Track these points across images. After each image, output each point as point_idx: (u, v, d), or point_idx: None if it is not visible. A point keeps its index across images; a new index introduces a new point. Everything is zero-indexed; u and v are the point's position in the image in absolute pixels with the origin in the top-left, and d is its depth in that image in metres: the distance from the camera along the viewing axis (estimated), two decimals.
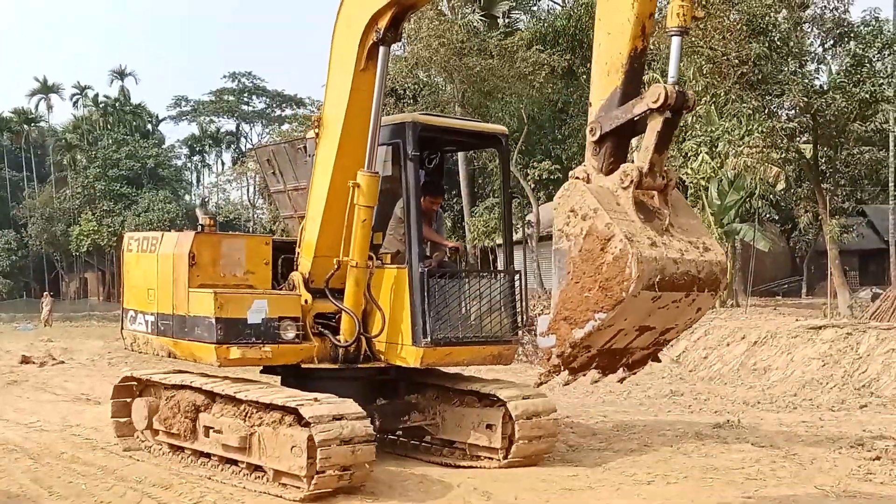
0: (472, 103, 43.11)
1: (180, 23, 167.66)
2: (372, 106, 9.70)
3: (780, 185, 39.19)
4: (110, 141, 77.87)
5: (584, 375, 6.85)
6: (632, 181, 6.30)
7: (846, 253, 45.11)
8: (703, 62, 33.14)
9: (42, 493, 9.18)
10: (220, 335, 9.33)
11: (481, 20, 45.34)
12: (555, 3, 52.11)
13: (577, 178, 6.62)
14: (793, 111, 35.68)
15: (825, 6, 35.30)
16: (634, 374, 7.15)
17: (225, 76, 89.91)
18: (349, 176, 9.69)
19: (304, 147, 11.69)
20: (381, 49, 9.67)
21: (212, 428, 9.47)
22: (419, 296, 9.74)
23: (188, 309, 9.71)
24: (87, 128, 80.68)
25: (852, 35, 35.52)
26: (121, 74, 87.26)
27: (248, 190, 75.01)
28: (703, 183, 35.77)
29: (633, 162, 6.49)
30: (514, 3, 49.90)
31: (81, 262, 79.74)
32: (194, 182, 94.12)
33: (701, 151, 34.89)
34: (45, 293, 56.32)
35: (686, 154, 35.58)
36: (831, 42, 36.64)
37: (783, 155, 34.55)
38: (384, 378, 10.51)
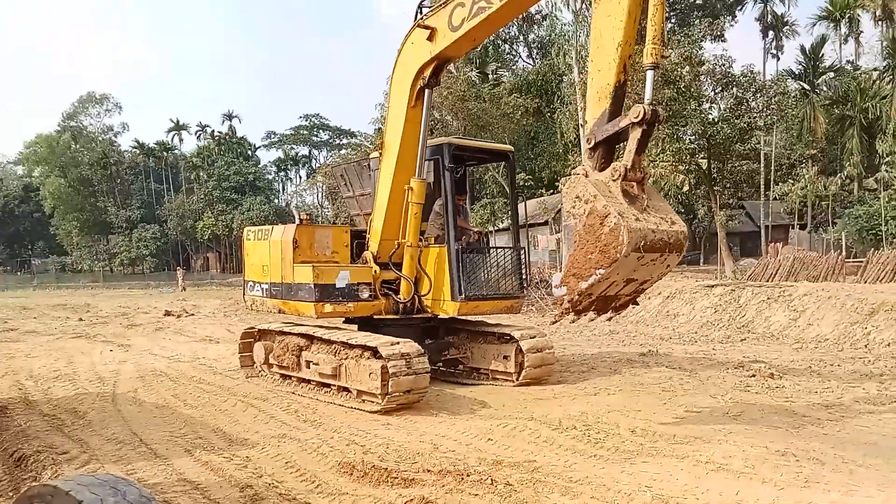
0: (471, 135, 42.71)
1: (270, 72, 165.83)
2: (420, 132, 9.48)
3: (685, 188, 39.01)
4: (222, 163, 78.36)
5: (585, 315, 6.76)
6: (620, 175, 6.30)
7: (731, 234, 44.97)
8: (632, 102, 32.89)
9: (179, 404, 9.16)
10: (318, 296, 9.13)
11: (477, 75, 44.99)
12: (527, 63, 51.55)
13: (578, 173, 6.58)
14: (693, 136, 35.43)
15: (716, 63, 34.67)
16: (619, 314, 7.04)
17: (301, 116, 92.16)
18: (404, 182, 9.53)
19: (368, 164, 11.39)
20: (427, 91, 9.35)
21: (311, 361, 9.24)
22: (455, 266, 9.54)
23: (293, 278, 9.47)
24: (206, 154, 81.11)
25: (735, 83, 35.00)
26: (229, 116, 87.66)
27: (318, 195, 75.08)
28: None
29: (619, 161, 6.44)
30: (499, 64, 49.45)
31: (204, 247, 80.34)
32: (280, 191, 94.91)
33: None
34: (178, 267, 56.15)
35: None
36: (720, 88, 36.01)
37: (687, 167, 34.65)
38: (429, 325, 10.25)
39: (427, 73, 9.20)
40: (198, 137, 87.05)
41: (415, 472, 5.89)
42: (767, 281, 23.07)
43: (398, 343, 8.28)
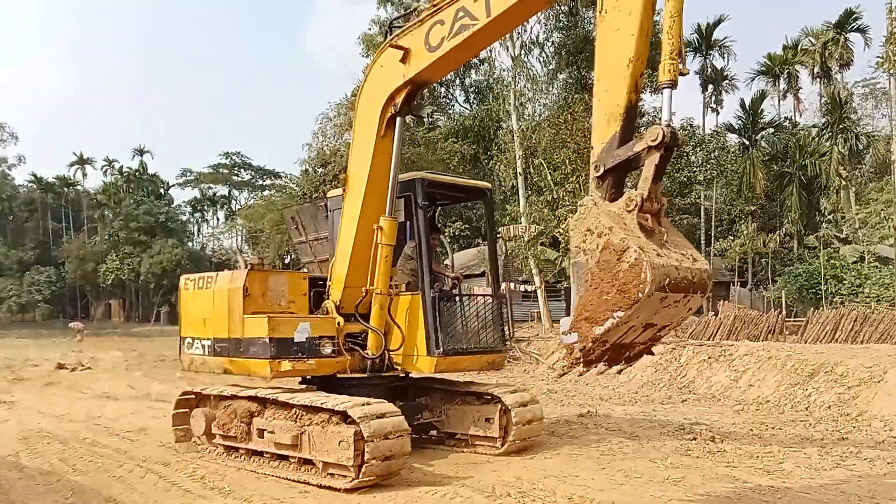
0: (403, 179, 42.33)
1: (189, 107, 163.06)
2: (391, 165, 8.85)
3: None
4: (131, 201, 75.73)
5: (595, 367, 6.12)
6: (636, 205, 5.78)
7: None
8: (570, 153, 33.40)
9: (68, 469, 8.71)
10: (273, 351, 8.17)
11: (411, 118, 44.66)
12: (464, 108, 51.81)
13: (587, 204, 6.03)
14: (634, 189, 35.34)
15: (655, 115, 35.60)
16: (631, 366, 6.56)
17: (221, 154, 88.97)
18: (372, 221, 8.81)
19: (325, 205, 10.72)
20: (398, 119, 8.79)
21: (265, 429, 8.22)
22: (432, 315, 8.78)
23: (243, 332, 8.49)
24: (113, 191, 78.32)
25: None
26: (140, 151, 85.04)
27: (237, 239, 73.26)
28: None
29: (633, 190, 5.87)
30: (435, 108, 49.48)
31: (107, 292, 76.92)
32: (196, 233, 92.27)
33: (569, 216, 34.44)
34: (74, 323, 52.39)
35: (559, 218, 35.31)
36: None
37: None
38: (398, 384, 9.43)
39: (399, 99, 8.67)
40: (104, 173, 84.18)
41: None
42: (709, 339, 23.39)
43: (372, 404, 7.48)
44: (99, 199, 79.16)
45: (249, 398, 8.47)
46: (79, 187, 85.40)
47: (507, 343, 9.70)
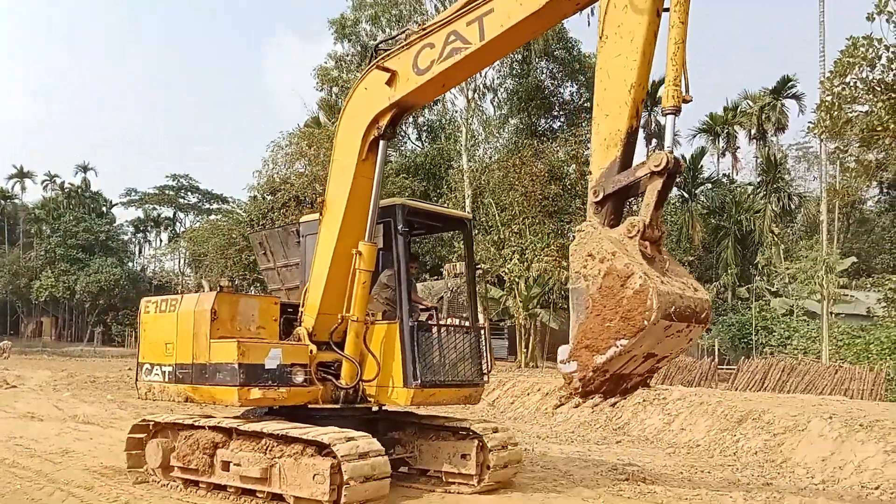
0: None
1: (136, 127, 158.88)
2: (372, 189, 8.51)
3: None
4: (70, 217, 72.77)
5: (591, 398, 6.11)
6: (638, 231, 5.69)
7: None
8: (518, 196, 33.54)
9: None
10: (242, 378, 7.60)
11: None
12: (415, 145, 51.77)
13: (586, 230, 5.96)
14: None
15: None
16: (625, 398, 6.41)
17: (167, 176, 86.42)
18: (350, 246, 8.47)
19: (297, 230, 10.26)
20: (382, 143, 8.52)
21: (230, 462, 7.58)
22: (410, 346, 8.38)
23: (209, 357, 7.91)
24: (52, 206, 75.31)
25: None
26: (84, 168, 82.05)
27: (179, 262, 71.10)
28: (515, 279, 35.49)
29: (634, 217, 5.84)
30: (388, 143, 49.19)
31: (39, 310, 73.50)
32: (136, 254, 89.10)
33: (514, 257, 34.89)
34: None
35: (504, 258, 35.27)
36: None
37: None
38: (371, 417, 8.97)
39: (384, 122, 8.41)
40: (44, 188, 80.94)
41: None
42: None
43: (354, 438, 7.02)
44: (37, 213, 75.95)
45: (214, 429, 7.86)
46: (16, 201, 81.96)
47: (485, 377, 9.32)
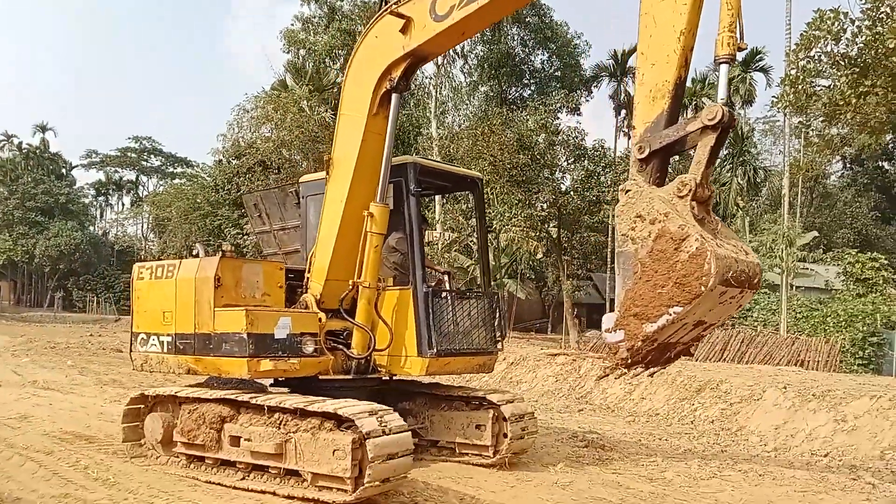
0: None
1: (99, 88, 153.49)
2: (385, 147, 7.96)
3: (539, 255, 39.69)
4: (29, 179, 70.02)
5: (636, 369, 5.63)
6: (690, 190, 5.26)
7: (578, 305, 46.03)
8: (487, 164, 33.24)
9: None
10: (252, 349, 7.07)
11: (331, 117, 43.61)
12: None
13: (632, 189, 5.52)
14: (545, 204, 35.88)
15: (570, 135, 35.79)
16: (665, 369, 5.98)
17: (129, 138, 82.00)
18: (360, 208, 7.96)
19: (296, 191, 9.70)
20: (394, 96, 7.95)
21: (240, 437, 7.05)
22: (424, 313, 7.98)
23: (214, 327, 7.35)
24: (10, 167, 72.33)
25: (586, 156, 36.30)
26: (42, 128, 78.54)
27: (142, 226, 69.20)
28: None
29: (685, 175, 5.39)
30: None
31: None
32: (98, 217, 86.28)
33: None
34: None
35: (472, 227, 35.02)
36: (573, 159, 37.14)
37: (538, 234, 35.26)
38: (380, 388, 8.54)
39: (397, 73, 7.86)
40: (1, 148, 77.88)
41: None
42: (607, 353, 23.33)
43: (377, 412, 6.57)
44: None
45: (220, 401, 7.30)
46: None
47: (500, 344, 8.96)
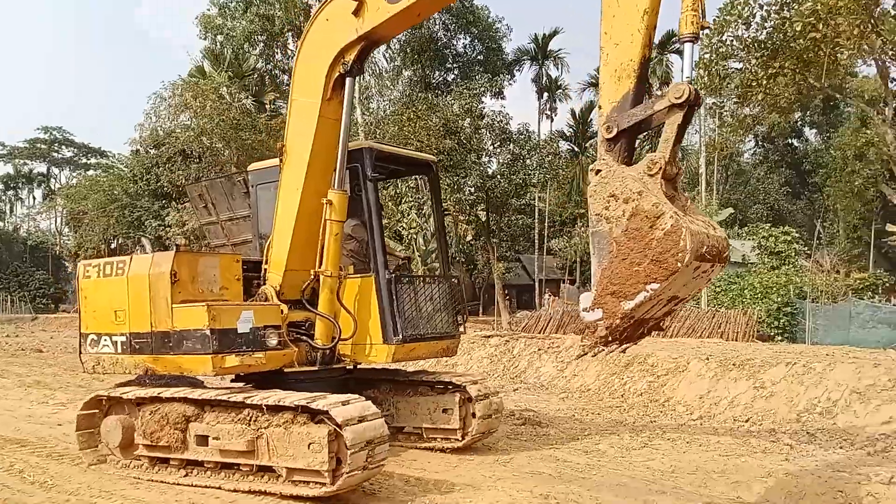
0: (245, 165, 40.03)
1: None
2: (340, 132, 7.82)
3: (469, 238, 39.97)
4: None
5: (612, 346, 5.59)
6: (660, 168, 5.27)
7: (508, 286, 46.63)
8: (413, 150, 33.10)
9: None
10: (216, 345, 6.85)
11: (253, 104, 42.66)
12: None
13: (602, 169, 5.48)
14: (473, 188, 36.23)
15: (494, 119, 36.07)
16: (636, 344, 5.97)
17: (38, 128, 77.72)
18: (317, 195, 7.81)
19: (243, 180, 9.47)
20: (348, 80, 7.79)
21: (208, 435, 6.85)
22: (388, 300, 7.92)
23: (172, 324, 7.08)
24: None
25: (512, 140, 36.74)
26: None
27: (56, 221, 65.99)
28: (412, 234, 35.04)
29: (654, 153, 5.38)
30: (278, 94, 47.41)
31: None
32: (8, 213, 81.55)
33: (411, 212, 34.21)
34: None
35: (402, 212, 34.93)
36: (498, 143, 37.65)
37: (467, 218, 35.37)
38: (345, 377, 8.42)
39: (350, 56, 7.67)
40: None
41: None
42: (539, 333, 24.38)
43: (349, 402, 6.48)
44: None
45: (183, 401, 7.05)
46: None
47: (461, 327, 8.99)
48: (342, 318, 7.96)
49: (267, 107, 45.54)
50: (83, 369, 8.02)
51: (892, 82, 22.56)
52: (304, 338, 7.87)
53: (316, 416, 6.37)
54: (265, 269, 8.12)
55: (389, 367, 8.74)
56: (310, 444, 6.27)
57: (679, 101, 5.31)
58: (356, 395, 6.72)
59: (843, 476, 7.82)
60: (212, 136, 39.00)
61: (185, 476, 7.05)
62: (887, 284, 33.73)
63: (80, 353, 7.96)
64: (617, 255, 5.32)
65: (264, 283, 8.06)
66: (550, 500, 6.50)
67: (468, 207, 36.39)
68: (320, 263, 7.80)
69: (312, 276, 7.83)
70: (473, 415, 8.27)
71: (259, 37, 44.14)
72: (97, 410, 7.67)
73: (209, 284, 7.44)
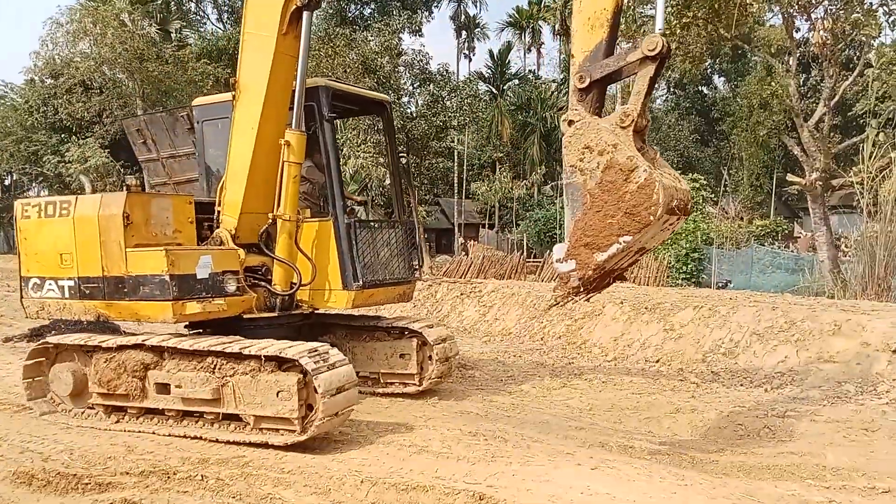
0: (151, 99, 38.18)
1: None
2: (297, 68, 7.55)
3: (388, 181, 39.71)
4: None
5: (582, 295, 5.83)
6: (633, 121, 5.40)
7: (429, 230, 46.44)
8: None
9: None
10: (176, 292, 6.64)
11: (157, 32, 40.41)
12: (216, 27, 47.95)
13: (576, 119, 5.56)
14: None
15: (414, 58, 35.73)
16: (599, 293, 6.20)
17: None
18: (273, 135, 7.57)
19: (187, 115, 9.03)
20: (305, 14, 7.46)
21: (169, 384, 6.66)
22: (347, 245, 7.84)
23: (126, 269, 6.78)
24: None
25: (431, 80, 36.42)
26: None
27: None
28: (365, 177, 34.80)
29: (626, 106, 5.52)
30: (184, 23, 45.14)
31: None
32: None
33: (361, 153, 33.88)
34: None
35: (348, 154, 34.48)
36: (418, 84, 37.18)
37: (387, 160, 35.03)
38: (303, 323, 8.29)
39: None
40: None
41: (110, 475, 5.61)
42: (461, 277, 24.66)
43: (317, 349, 6.42)
44: None
45: (138, 347, 6.79)
46: None
47: (417, 272, 9.00)
48: (300, 263, 7.82)
49: (173, 36, 43.28)
50: (25, 314, 7.62)
51: (797, 31, 23.43)
52: (262, 283, 7.70)
53: (283, 363, 6.29)
54: (218, 212, 7.83)
55: (344, 313, 8.69)
56: (279, 391, 6.21)
57: (652, 53, 5.37)
58: (321, 343, 6.66)
59: (743, 411, 8.52)
60: (114, 66, 36.92)
61: (143, 424, 6.86)
62: (787, 231, 35.58)
63: (22, 297, 7.53)
64: (591, 208, 5.42)
65: (217, 227, 7.78)
66: (479, 437, 6.74)
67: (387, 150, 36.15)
68: (278, 206, 7.60)
69: (270, 220, 7.64)
70: (430, 359, 8.38)
71: None
72: (44, 359, 7.33)
73: (162, 227, 7.12)
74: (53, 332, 11.98)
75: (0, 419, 7.23)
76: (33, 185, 41.56)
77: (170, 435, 6.61)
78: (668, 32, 28.72)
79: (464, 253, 36.38)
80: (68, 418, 7.16)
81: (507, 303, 16.31)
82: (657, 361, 11.46)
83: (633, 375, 10.68)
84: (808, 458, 6.81)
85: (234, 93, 7.77)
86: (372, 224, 8.70)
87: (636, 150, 5.39)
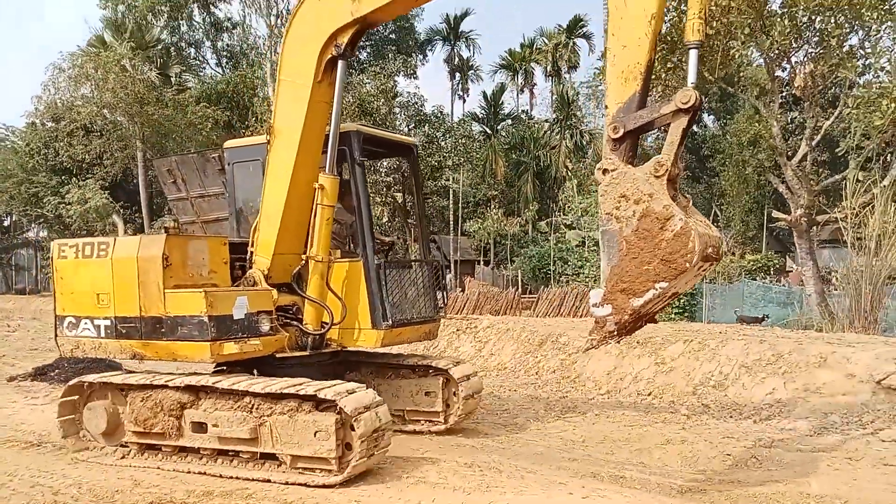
0: (151, 141, 38.47)
1: None
2: (332, 115, 7.67)
3: (385, 219, 39.88)
4: None
5: (616, 338, 5.88)
6: (666, 170, 5.49)
7: None
8: None
9: None
10: (214, 332, 6.73)
11: (158, 77, 40.85)
12: (216, 71, 48.39)
13: (610, 169, 5.69)
14: (388, 170, 36.03)
15: (409, 99, 36.72)
16: (629, 336, 6.21)
17: None
18: (307, 180, 7.70)
19: (218, 157, 9.17)
20: (341, 63, 7.59)
21: (205, 423, 6.72)
22: (377, 285, 7.88)
23: (165, 310, 6.88)
24: None
25: (426, 121, 36.85)
26: None
27: None
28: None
29: (659, 156, 5.64)
30: (184, 68, 45.65)
31: None
32: None
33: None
34: None
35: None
36: (414, 124, 37.70)
37: (384, 199, 35.36)
38: (331, 361, 8.34)
39: (343, 39, 7.49)
40: None
41: None
42: (457, 313, 24.74)
43: (354, 390, 6.49)
44: None
45: (177, 388, 6.83)
46: None
47: (441, 311, 9.09)
48: (330, 303, 7.89)
49: (173, 80, 43.70)
50: (60, 352, 7.67)
51: (782, 71, 23.88)
52: (293, 322, 7.79)
53: (320, 404, 6.35)
54: (251, 252, 7.95)
55: (370, 351, 8.75)
56: (316, 431, 6.26)
57: (686, 106, 5.52)
58: (357, 384, 6.72)
59: (732, 441, 8.72)
60: (115, 109, 37.20)
61: (177, 463, 6.87)
62: (778, 266, 35.83)
63: (56, 335, 7.59)
64: (627, 254, 5.53)
65: (250, 267, 7.89)
66: (474, 468, 6.82)
67: (384, 189, 36.22)
68: (311, 247, 7.70)
69: (303, 261, 7.74)
70: (455, 395, 8.45)
71: (163, 7, 42.30)
72: (78, 396, 7.37)
73: (199, 268, 7.25)
74: (57, 370, 12.09)
75: (10, 455, 7.37)
76: (32, 225, 41.51)
77: (204, 473, 6.62)
78: (653, 77, 29.33)
79: (460, 289, 36.45)
80: (100, 456, 7.18)
81: (503, 338, 16.41)
82: (649, 394, 11.62)
83: (626, 408, 10.85)
84: (793, 487, 6.96)
85: (268, 137, 7.92)
86: (400, 264, 8.77)
87: (671, 199, 5.55)
